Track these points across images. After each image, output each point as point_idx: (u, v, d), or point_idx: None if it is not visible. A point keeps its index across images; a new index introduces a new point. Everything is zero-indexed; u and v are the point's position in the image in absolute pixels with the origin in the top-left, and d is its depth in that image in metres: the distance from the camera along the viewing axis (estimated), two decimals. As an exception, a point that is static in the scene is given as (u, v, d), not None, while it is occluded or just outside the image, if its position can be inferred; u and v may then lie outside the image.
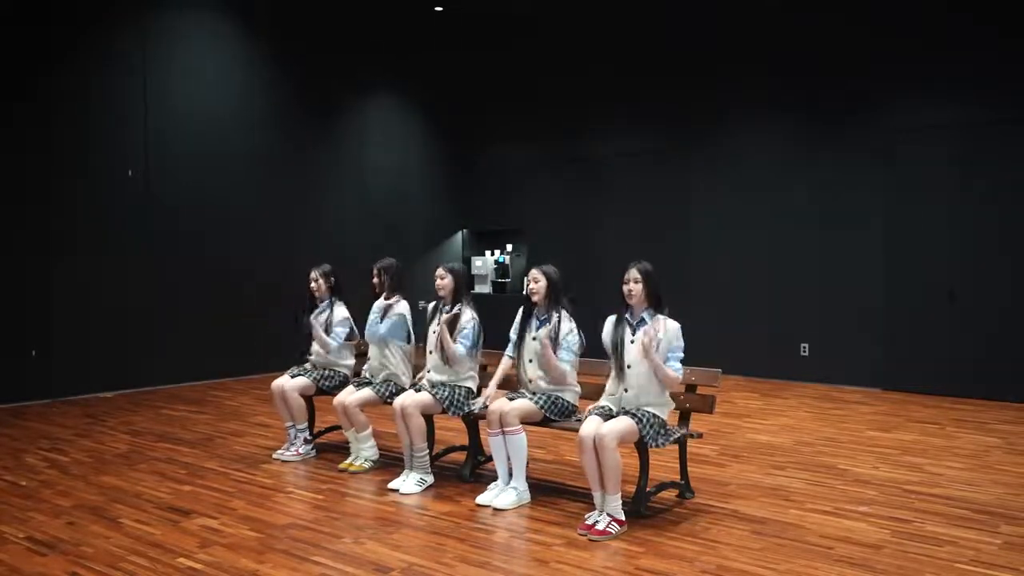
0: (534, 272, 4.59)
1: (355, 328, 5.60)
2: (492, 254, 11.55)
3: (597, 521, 3.89)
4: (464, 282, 4.97)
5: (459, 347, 4.69)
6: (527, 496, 4.38)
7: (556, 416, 4.45)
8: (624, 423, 3.92)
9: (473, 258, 11.63)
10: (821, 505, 4.35)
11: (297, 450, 5.39)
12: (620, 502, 3.93)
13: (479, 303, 5.06)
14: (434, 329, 4.85)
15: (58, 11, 7.57)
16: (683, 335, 4.14)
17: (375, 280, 5.33)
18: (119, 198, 8.01)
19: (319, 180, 9.84)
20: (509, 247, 11.43)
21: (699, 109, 9.35)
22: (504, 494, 4.33)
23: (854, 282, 8.29)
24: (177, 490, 4.66)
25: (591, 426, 3.94)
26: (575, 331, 4.45)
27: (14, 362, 7.32)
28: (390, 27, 10.56)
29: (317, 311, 5.58)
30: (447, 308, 4.89)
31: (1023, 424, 6.48)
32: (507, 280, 11.30)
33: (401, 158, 10.86)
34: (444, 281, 4.87)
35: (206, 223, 8.65)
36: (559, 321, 4.46)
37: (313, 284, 5.62)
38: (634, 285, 4.12)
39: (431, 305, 5.04)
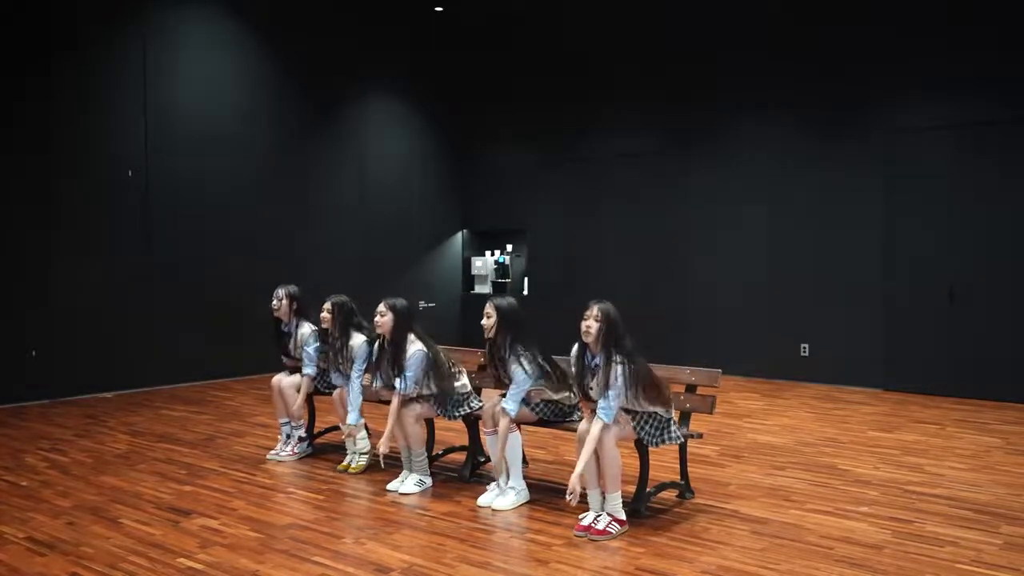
0: (487, 308, 4.38)
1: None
2: (492, 254, 11.55)
3: (597, 520, 3.88)
4: (406, 319, 4.68)
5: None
6: (526, 495, 4.38)
7: (552, 417, 4.45)
8: (615, 425, 3.91)
9: (473, 258, 11.64)
10: (822, 505, 4.35)
11: (292, 449, 5.38)
12: (620, 501, 3.93)
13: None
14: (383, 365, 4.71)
15: (58, 11, 7.56)
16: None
17: (326, 315, 5.07)
18: (119, 198, 8.00)
19: (319, 180, 9.83)
20: (509, 247, 11.43)
21: (699, 109, 9.35)
22: (503, 496, 4.33)
23: (854, 282, 8.29)
24: (177, 490, 4.66)
25: (588, 423, 3.94)
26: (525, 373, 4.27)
27: (14, 362, 7.31)
28: (390, 27, 10.56)
29: (284, 332, 5.46)
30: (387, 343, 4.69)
31: (1023, 424, 6.48)
32: (507, 280, 11.30)
33: (401, 158, 10.86)
34: (384, 319, 4.63)
35: (206, 223, 8.65)
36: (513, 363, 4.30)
37: (275, 303, 5.39)
38: (593, 323, 3.90)
39: (375, 344, 4.84)
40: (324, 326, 5.10)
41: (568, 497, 3.82)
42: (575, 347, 4.04)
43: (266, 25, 9.24)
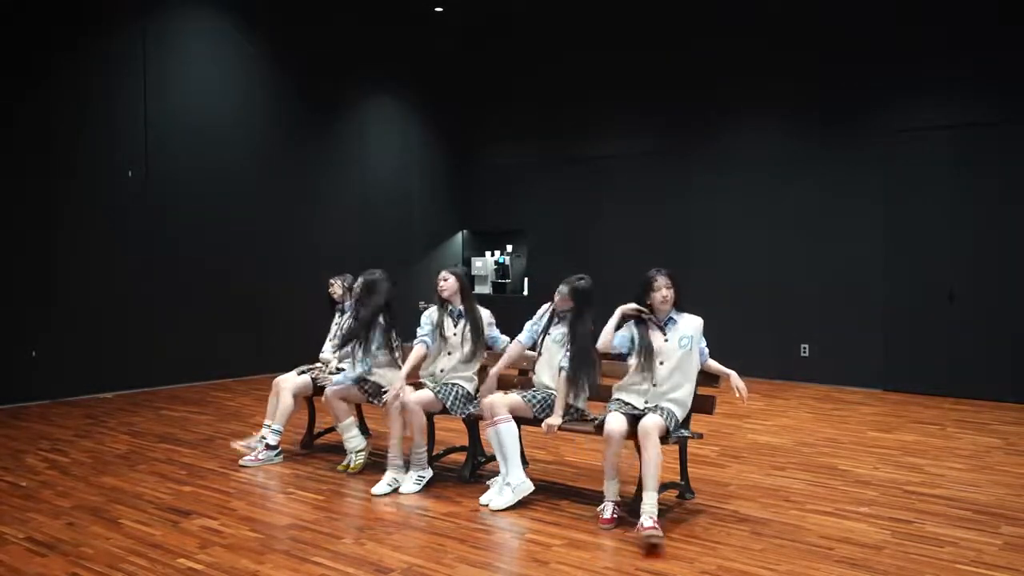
0: (561, 288, 4.60)
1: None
2: (492, 255, 11.56)
3: (648, 520, 3.72)
4: (467, 282, 5.02)
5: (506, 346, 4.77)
6: (525, 488, 4.32)
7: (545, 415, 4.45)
8: (659, 419, 3.94)
9: (473, 259, 11.64)
10: (822, 506, 4.35)
11: (257, 455, 5.23)
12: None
13: (479, 304, 5.08)
14: (455, 332, 4.85)
15: (58, 11, 7.56)
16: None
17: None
18: (119, 198, 8.00)
19: (319, 180, 9.83)
20: (509, 248, 11.43)
21: (699, 109, 9.36)
22: (499, 496, 4.32)
23: (854, 282, 8.30)
24: (177, 491, 4.66)
25: (619, 421, 3.95)
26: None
27: (14, 362, 7.31)
28: (390, 27, 10.56)
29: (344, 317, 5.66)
30: (453, 310, 4.90)
31: (1023, 424, 6.48)
32: (507, 281, 11.30)
33: (401, 158, 10.86)
34: (447, 283, 4.89)
35: (206, 223, 8.64)
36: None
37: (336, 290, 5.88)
38: (667, 291, 4.23)
39: (431, 308, 5.02)
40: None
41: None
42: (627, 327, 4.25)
43: (266, 25, 9.24)
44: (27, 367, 7.38)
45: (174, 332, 8.38)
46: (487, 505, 4.32)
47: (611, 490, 4.05)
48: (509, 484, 4.33)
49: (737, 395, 4.23)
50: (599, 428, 4.07)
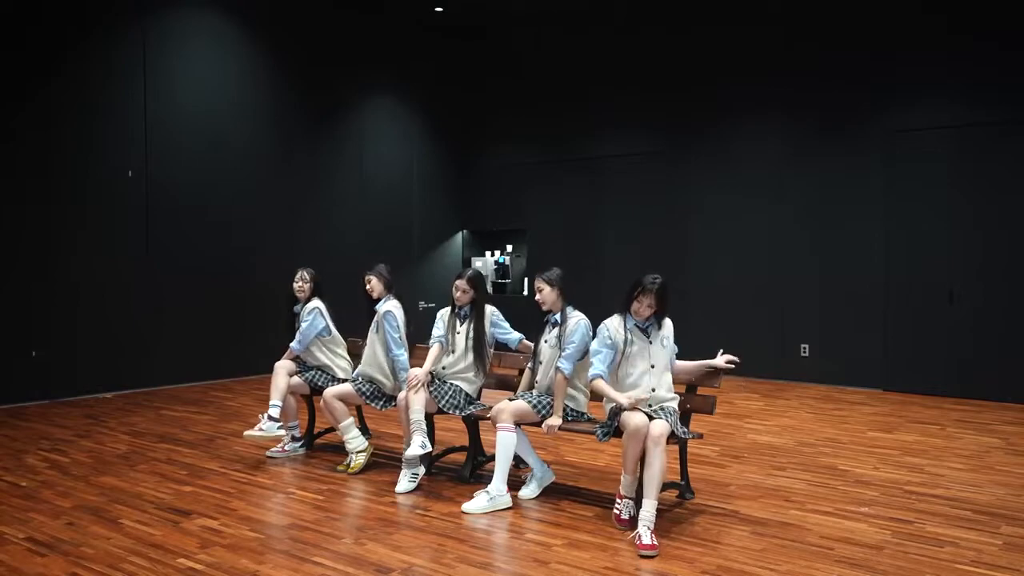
0: (537, 282, 4.58)
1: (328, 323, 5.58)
2: (492, 255, 11.56)
3: (647, 535, 3.69)
4: (483, 290, 4.97)
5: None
6: (503, 502, 4.29)
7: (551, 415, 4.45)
8: (667, 425, 3.89)
9: (473, 259, 11.64)
10: (822, 506, 4.35)
11: (283, 447, 5.42)
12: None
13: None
14: (458, 331, 4.88)
15: (58, 11, 7.56)
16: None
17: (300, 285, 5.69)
18: (119, 198, 8.00)
19: (319, 180, 9.83)
20: (509, 248, 11.44)
21: (699, 109, 9.36)
22: (475, 499, 4.29)
23: (854, 282, 8.30)
24: (177, 491, 4.66)
25: (641, 416, 3.89)
26: (581, 334, 4.44)
27: (14, 362, 7.31)
28: (390, 27, 10.56)
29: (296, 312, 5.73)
30: (462, 312, 4.90)
31: (1023, 424, 6.48)
32: (507, 281, 11.31)
33: (401, 159, 10.86)
34: (465, 296, 4.85)
35: (206, 223, 8.65)
36: (565, 324, 4.51)
37: (298, 284, 5.74)
38: (647, 311, 4.14)
39: (445, 311, 5.00)
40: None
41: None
42: (615, 323, 4.20)
43: (266, 27, 9.24)
44: (27, 367, 7.38)
45: (174, 332, 8.38)
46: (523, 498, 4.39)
47: (631, 487, 4.00)
48: (487, 492, 4.30)
49: (732, 366, 4.35)
50: (621, 429, 3.99)
